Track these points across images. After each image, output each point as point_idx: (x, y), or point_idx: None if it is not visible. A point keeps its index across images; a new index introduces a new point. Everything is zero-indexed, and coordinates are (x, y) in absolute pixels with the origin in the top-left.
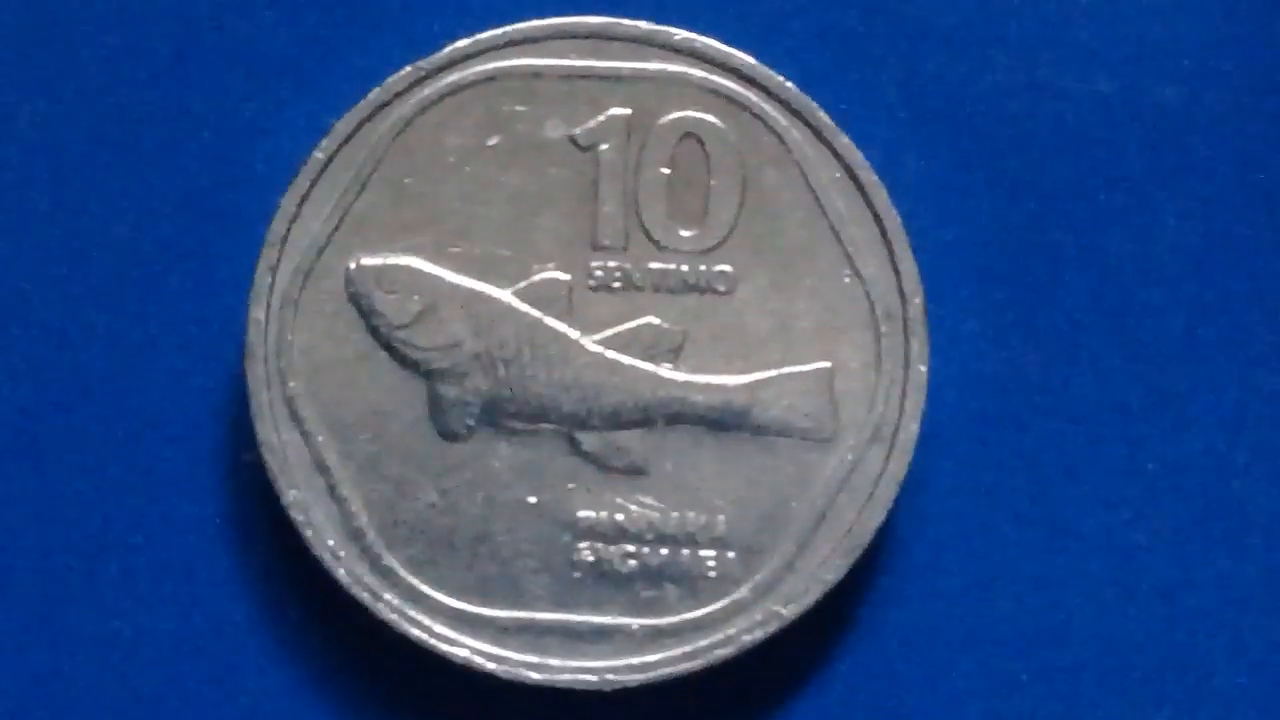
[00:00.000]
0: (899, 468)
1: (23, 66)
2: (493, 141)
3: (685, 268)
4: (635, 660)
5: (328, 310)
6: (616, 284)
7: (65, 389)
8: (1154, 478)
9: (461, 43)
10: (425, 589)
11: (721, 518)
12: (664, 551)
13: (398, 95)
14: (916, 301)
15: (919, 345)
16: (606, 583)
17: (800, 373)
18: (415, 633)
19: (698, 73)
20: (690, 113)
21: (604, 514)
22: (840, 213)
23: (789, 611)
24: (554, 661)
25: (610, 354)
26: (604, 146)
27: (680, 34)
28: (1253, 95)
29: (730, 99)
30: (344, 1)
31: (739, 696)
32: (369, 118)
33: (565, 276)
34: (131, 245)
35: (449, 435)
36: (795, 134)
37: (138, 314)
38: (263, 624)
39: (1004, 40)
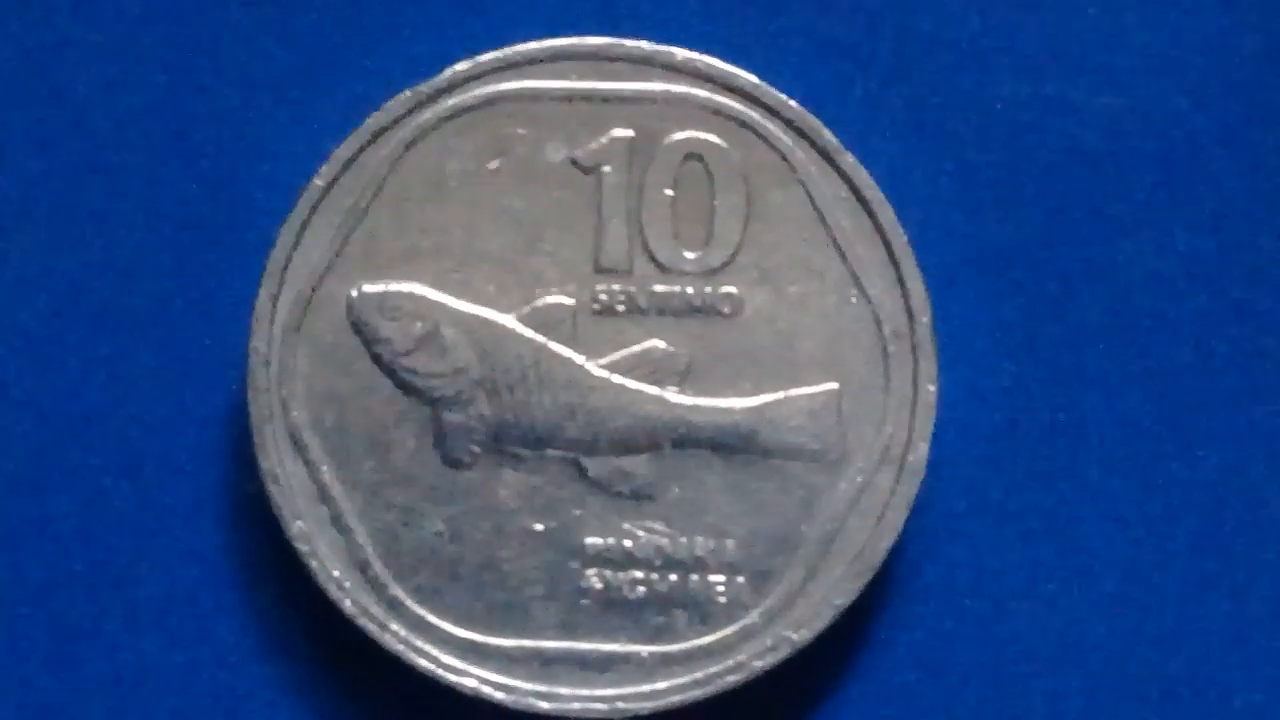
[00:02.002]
0: (909, 489)
1: (19, 97)
2: (494, 165)
3: (690, 290)
4: (645, 688)
5: (330, 339)
6: (621, 307)
7: (67, 423)
8: (1166, 494)
9: (461, 66)
10: (432, 619)
11: (730, 542)
12: (673, 577)
13: (397, 120)
14: (924, 320)
15: (927, 364)
16: (615, 610)
17: (808, 394)
18: (423, 663)
19: (701, 93)
20: (693, 133)
21: (612, 540)
22: (846, 232)
23: (800, 636)
24: (563, 690)
25: (616, 378)
26: (607, 168)
27: (682, 54)
28: (1261, 107)
29: (734, 119)
30: (341, 26)
31: None
32: (368, 143)
33: (569, 301)
34: (131, 275)
35: (454, 463)
36: (799, 153)
37: (138, 345)
38: (269, 656)
39: (1009, 55)
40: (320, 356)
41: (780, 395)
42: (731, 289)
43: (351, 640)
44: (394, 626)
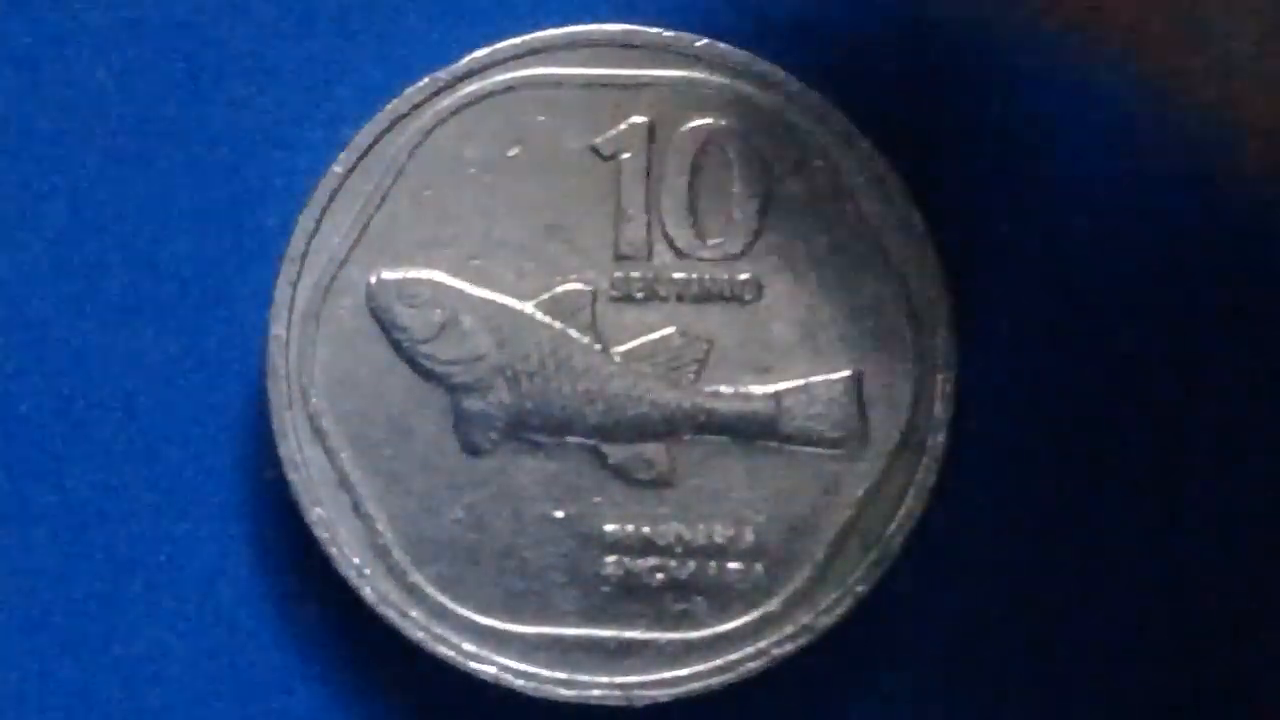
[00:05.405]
0: (929, 476)
1: (37, 83)
2: (513, 152)
3: (709, 276)
4: (665, 675)
5: (349, 325)
6: (640, 294)
7: (85, 408)
8: (1191, 484)
9: (480, 52)
10: (452, 605)
11: (750, 529)
12: (692, 564)
13: (416, 107)
14: (945, 306)
15: (948, 351)
16: (635, 597)
17: (827, 381)
18: (442, 650)
19: (719, 79)
20: (712, 119)
21: (631, 527)
22: (865, 218)
23: (819, 623)
24: (583, 677)
25: (635, 365)
26: (626, 155)
27: (701, 40)
28: None
29: (752, 105)
30: (360, 13)
31: (771, 710)
32: (387, 130)
33: (588, 288)
34: (149, 262)
35: (473, 450)
36: (819, 139)
37: (157, 332)
38: (288, 643)
39: (1029, 36)
40: (339, 343)
41: (800, 382)
42: (751, 275)
43: (371, 627)
44: (414, 613)
